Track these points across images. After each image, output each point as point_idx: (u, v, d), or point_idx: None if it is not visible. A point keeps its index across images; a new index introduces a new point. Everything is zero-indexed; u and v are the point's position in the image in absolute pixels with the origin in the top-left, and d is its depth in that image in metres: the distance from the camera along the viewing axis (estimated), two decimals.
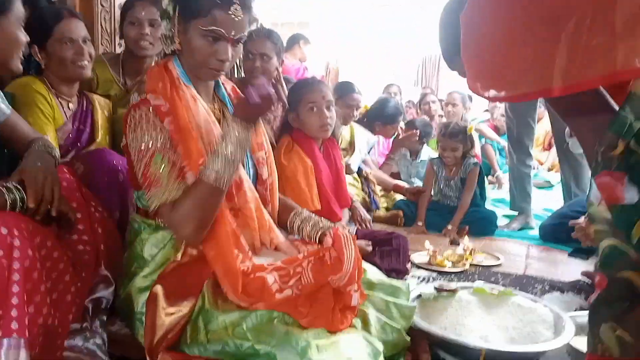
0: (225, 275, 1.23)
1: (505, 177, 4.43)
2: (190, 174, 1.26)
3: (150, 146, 1.26)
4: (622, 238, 0.74)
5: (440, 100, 5.63)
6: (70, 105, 1.81)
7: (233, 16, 1.29)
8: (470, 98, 5.22)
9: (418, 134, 3.63)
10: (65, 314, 1.18)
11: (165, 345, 1.15)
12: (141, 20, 2.06)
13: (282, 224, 1.54)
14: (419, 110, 5.44)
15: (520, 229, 3.11)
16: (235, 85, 1.55)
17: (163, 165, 1.25)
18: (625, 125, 0.76)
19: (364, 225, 2.46)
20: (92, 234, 1.32)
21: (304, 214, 1.53)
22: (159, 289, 1.23)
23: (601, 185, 0.79)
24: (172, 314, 1.19)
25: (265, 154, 1.52)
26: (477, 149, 4.33)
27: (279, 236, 1.47)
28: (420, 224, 2.99)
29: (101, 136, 1.85)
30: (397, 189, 3.37)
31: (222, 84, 1.49)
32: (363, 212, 2.59)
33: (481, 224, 2.94)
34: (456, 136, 3.08)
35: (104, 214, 1.39)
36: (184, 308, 1.20)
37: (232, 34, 1.31)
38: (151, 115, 1.27)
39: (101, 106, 1.91)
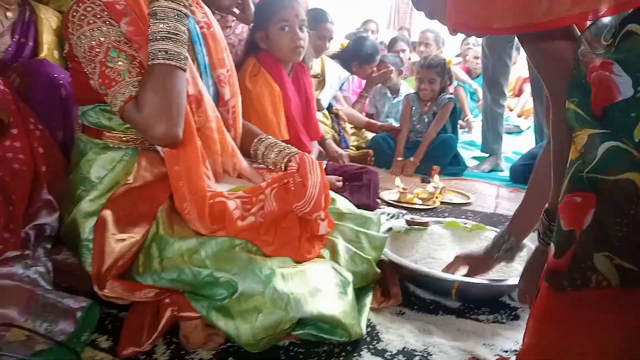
0: (191, 195, 1.11)
1: (476, 121, 4.38)
2: None
3: (102, 41, 1.09)
4: (624, 138, 0.68)
5: (413, 43, 5.48)
6: (9, 14, 1.60)
7: None
8: (443, 41, 5.08)
9: (391, 70, 3.51)
10: None
11: (114, 273, 1.05)
12: None
13: (245, 151, 1.41)
14: None
15: (490, 171, 3.09)
16: None
17: (121, 60, 1.09)
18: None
19: (340, 162, 2.38)
20: (30, 153, 1.17)
21: (269, 140, 1.42)
22: (107, 213, 1.11)
23: (594, 80, 0.72)
24: (122, 240, 1.08)
25: (228, 72, 1.38)
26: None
27: (242, 162, 1.36)
28: (399, 159, 2.92)
29: (47, 51, 1.65)
30: (370, 127, 3.29)
31: None
32: (336, 147, 2.50)
33: (443, 152, 2.91)
34: (435, 67, 3.00)
35: (44, 133, 1.24)
36: (136, 234, 1.09)
37: None
38: (98, 8, 1.10)
39: (47, 17, 1.70)
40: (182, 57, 1.08)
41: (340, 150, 2.73)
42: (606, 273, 0.70)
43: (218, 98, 1.36)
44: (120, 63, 1.08)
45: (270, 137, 1.45)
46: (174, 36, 1.07)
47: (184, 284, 1.04)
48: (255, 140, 1.43)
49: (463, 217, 2.07)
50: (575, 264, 0.72)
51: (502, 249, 1.26)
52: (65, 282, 1.20)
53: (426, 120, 3.06)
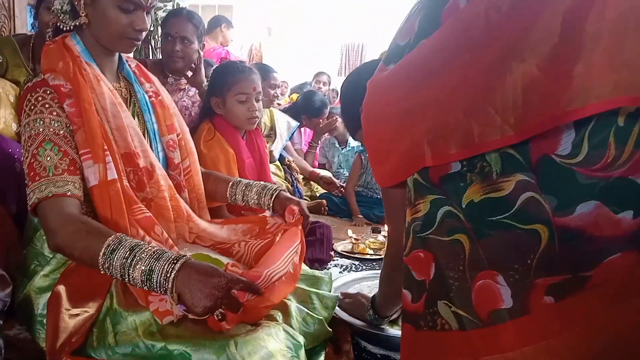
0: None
1: None
2: (90, 162, 1.16)
3: (40, 131, 1.14)
4: (454, 203, 0.81)
5: None
6: None
7: None
8: None
9: (337, 120, 3.63)
10: None
11: (69, 350, 1.06)
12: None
13: (219, 197, 1.52)
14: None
15: None
16: (140, 64, 1.46)
17: (51, 155, 1.13)
18: None
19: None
20: None
21: (242, 182, 1.53)
22: (61, 289, 1.13)
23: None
24: (76, 315, 1.10)
25: (178, 136, 1.44)
26: None
27: (200, 224, 1.41)
28: (360, 216, 2.93)
29: (3, 124, 1.67)
30: (313, 177, 3.34)
31: (126, 61, 1.39)
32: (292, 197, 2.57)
33: None
34: None
35: None
36: (89, 309, 1.11)
37: (149, 2, 1.23)
38: (48, 97, 1.16)
39: (5, 91, 1.74)
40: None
41: (329, 174, 2.78)
42: (447, 318, 0.82)
43: (167, 163, 1.41)
44: (49, 158, 1.12)
45: (239, 179, 1.57)
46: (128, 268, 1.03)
47: (138, 358, 1.06)
48: (229, 186, 1.54)
49: None
50: (427, 308, 0.85)
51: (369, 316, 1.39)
52: (16, 357, 1.20)
53: None
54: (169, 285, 0.99)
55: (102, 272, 1.04)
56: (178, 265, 1.00)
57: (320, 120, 3.64)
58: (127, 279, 1.03)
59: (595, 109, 0.70)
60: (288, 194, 1.53)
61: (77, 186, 1.14)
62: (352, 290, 1.65)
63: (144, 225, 1.20)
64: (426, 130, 0.83)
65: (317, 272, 1.47)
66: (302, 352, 1.16)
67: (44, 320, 1.11)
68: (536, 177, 0.74)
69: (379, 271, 1.85)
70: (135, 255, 1.02)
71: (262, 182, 1.54)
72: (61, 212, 1.10)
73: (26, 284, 1.19)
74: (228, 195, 1.54)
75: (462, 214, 0.80)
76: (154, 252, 1.02)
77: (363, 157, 3.14)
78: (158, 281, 0.99)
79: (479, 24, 0.79)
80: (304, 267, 1.49)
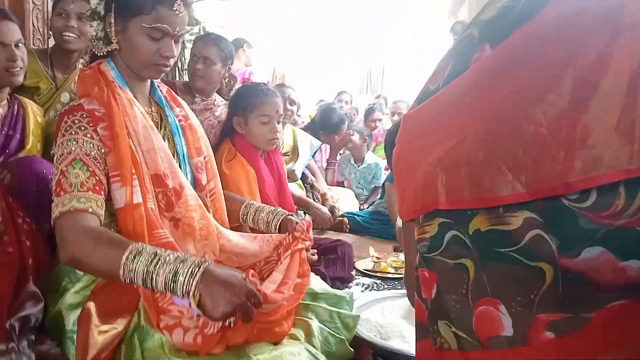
0: (145, 300, 1.17)
1: None
2: (118, 185, 1.20)
3: (72, 150, 1.19)
4: (462, 229, 0.82)
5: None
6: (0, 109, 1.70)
7: (177, 12, 1.27)
8: None
9: (352, 133, 3.65)
10: None
11: None
12: (69, 12, 2.01)
13: (232, 218, 1.56)
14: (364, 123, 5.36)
15: None
16: (170, 89, 1.51)
17: (80, 173, 1.17)
18: None
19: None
20: (19, 247, 1.24)
21: (255, 204, 1.61)
22: (91, 305, 1.17)
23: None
24: (105, 331, 1.13)
25: (205, 158, 1.49)
26: None
27: (231, 240, 1.45)
28: None
29: (32, 143, 1.76)
30: (322, 198, 3.23)
31: (158, 86, 1.45)
32: (324, 210, 2.62)
33: None
34: None
35: (32, 226, 1.32)
36: (118, 325, 1.15)
37: (177, 30, 1.28)
38: (84, 121, 1.22)
39: (33, 111, 1.83)
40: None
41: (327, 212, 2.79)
42: (447, 337, 0.83)
43: (196, 184, 1.45)
44: (76, 176, 1.16)
45: (252, 201, 1.64)
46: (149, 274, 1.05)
47: None
48: (243, 206, 1.61)
49: None
50: (430, 325, 0.86)
51: None
52: None
53: None
54: (192, 288, 1.01)
55: (120, 278, 1.07)
56: (202, 268, 1.03)
57: (336, 137, 3.67)
58: (149, 284, 1.05)
59: (610, 178, 0.70)
60: (296, 218, 1.57)
61: (100, 204, 1.18)
62: (373, 309, 1.65)
63: (165, 248, 1.20)
64: (440, 170, 0.85)
65: (338, 292, 1.48)
66: None
67: (75, 336, 1.15)
68: (542, 216, 0.75)
69: (401, 290, 1.87)
70: (159, 259, 1.05)
71: (272, 207, 1.62)
72: (79, 224, 1.13)
73: (57, 301, 1.24)
74: (241, 214, 1.61)
75: (468, 241, 0.81)
76: (178, 256, 1.06)
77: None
78: (182, 282, 1.01)
79: (497, 74, 0.81)
80: (325, 286, 1.51)
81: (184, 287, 1.02)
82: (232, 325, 1.04)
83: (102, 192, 1.20)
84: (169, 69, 1.36)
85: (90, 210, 1.15)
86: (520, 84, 0.78)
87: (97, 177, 1.19)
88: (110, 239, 1.11)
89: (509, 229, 0.77)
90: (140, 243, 1.10)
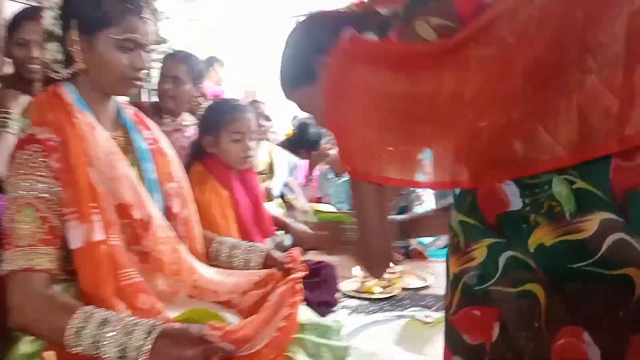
0: None
1: (425, 194, 4.47)
2: (75, 223, 1.08)
3: (22, 195, 1.06)
4: (520, 248, 0.69)
5: None
6: None
7: (146, 20, 1.18)
8: None
9: (328, 147, 3.57)
10: None
11: None
12: (28, 42, 1.86)
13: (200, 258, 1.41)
14: None
15: (444, 247, 3.10)
16: (138, 110, 1.40)
17: (29, 222, 1.05)
18: None
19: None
20: None
21: (229, 240, 1.48)
22: (50, 355, 1.03)
23: (483, 191, 0.73)
24: None
25: (177, 184, 1.38)
26: None
27: (205, 276, 1.33)
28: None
29: None
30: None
31: (124, 108, 1.33)
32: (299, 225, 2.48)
33: None
34: None
35: None
36: None
37: (147, 39, 1.19)
38: (35, 156, 1.09)
39: None
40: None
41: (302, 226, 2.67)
42: None
43: (167, 212, 1.34)
44: (26, 225, 1.04)
45: (225, 237, 1.52)
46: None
47: None
48: (214, 244, 1.48)
49: (423, 302, 2.05)
50: None
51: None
52: None
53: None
54: None
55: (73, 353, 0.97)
56: (150, 339, 0.94)
57: (314, 153, 3.59)
58: (100, 357, 0.96)
59: None
60: (279, 253, 1.48)
61: (52, 259, 1.06)
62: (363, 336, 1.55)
63: (128, 292, 1.10)
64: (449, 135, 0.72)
65: (325, 321, 1.37)
66: None
67: None
68: (625, 216, 0.63)
69: (391, 312, 1.77)
70: (104, 332, 0.95)
71: (249, 242, 1.51)
72: (26, 288, 1.02)
73: (10, 350, 1.10)
74: (211, 252, 1.48)
75: (531, 261, 0.68)
76: (124, 326, 0.96)
77: None
78: (134, 358, 0.93)
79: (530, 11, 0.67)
80: (312, 316, 1.40)
81: None
82: None
83: (57, 240, 1.08)
84: (140, 82, 1.25)
85: (37, 268, 1.03)
86: (564, 24, 0.65)
87: (49, 223, 1.07)
88: (51, 307, 1.01)
89: (583, 236, 0.64)
90: (85, 309, 0.99)
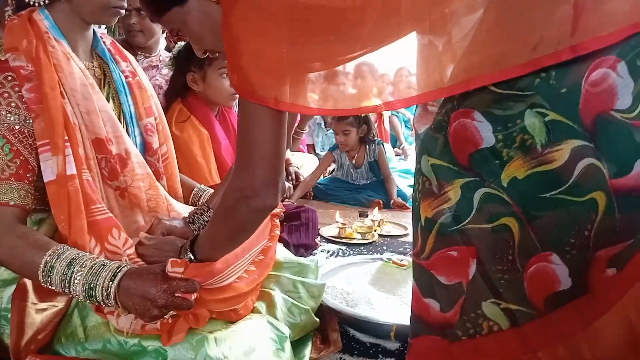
0: None
1: (410, 149, 4.49)
2: (47, 155, 1.04)
3: None
4: (493, 184, 0.70)
5: None
6: None
7: None
8: None
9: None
10: None
11: (35, 347, 0.99)
12: None
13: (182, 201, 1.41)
14: None
15: None
16: (115, 41, 1.35)
17: (1, 156, 1.02)
18: None
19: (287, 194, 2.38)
20: None
21: (208, 190, 1.45)
22: (27, 281, 1.05)
23: (454, 131, 0.73)
24: (44, 309, 1.03)
25: (156, 119, 1.35)
26: (387, 123, 4.36)
27: (182, 213, 1.33)
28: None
29: None
30: (287, 163, 3.19)
31: (101, 38, 1.29)
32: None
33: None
34: (345, 118, 2.93)
35: None
36: (58, 303, 1.04)
37: None
38: (7, 85, 1.04)
39: None
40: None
41: (286, 184, 2.71)
42: (496, 319, 0.72)
43: (145, 149, 1.32)
44: None
45: (206, 187, 1.49)
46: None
47: (110, 355, 0.99)
48: (194, 192, 1.46)
49: (401, 249, 2.09)
50: (466, 313, 0.74)
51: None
52: None
53: (360, 172, 3.05)
54: (112, 301, 0.95)
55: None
56: (116, 280, 0.96)
57: None
58: (71, 295, 0.98)
59: None
60: None
61: (23, 194, 1.03)
62: (339, 276, 1.59)
63: (101, 227, 1.08)
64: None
65: (302, 260, 1.40)
66: (288, 344, 1.10)
67: (9, 315, 1.03)
68: (594, 141, 0.64)
69: (368, 256, 1.81)
70: (73, 272, 0.96)
71: None
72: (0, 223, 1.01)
73: None
74: (192, 201, 1.46)
75: (505, 195, 0.69)
76: (91, 267, 0.97)
77: (335, 154, 3.07)
78: (100, 298, 0.96)
79: None
80: (289, 255, 1.43)
81: (104, 302, 0.96)
82: (169, 320, 0.98)
83: (29, 174, 1.05)
84: (124, 11, 1.19)
85: (11, 202, 1.01)
86: None
87: (21, 157, 1.03)
88: (25, 245, 1.00)
89: (555, 166, 0.65)
90: (56, 249, 0.99)
